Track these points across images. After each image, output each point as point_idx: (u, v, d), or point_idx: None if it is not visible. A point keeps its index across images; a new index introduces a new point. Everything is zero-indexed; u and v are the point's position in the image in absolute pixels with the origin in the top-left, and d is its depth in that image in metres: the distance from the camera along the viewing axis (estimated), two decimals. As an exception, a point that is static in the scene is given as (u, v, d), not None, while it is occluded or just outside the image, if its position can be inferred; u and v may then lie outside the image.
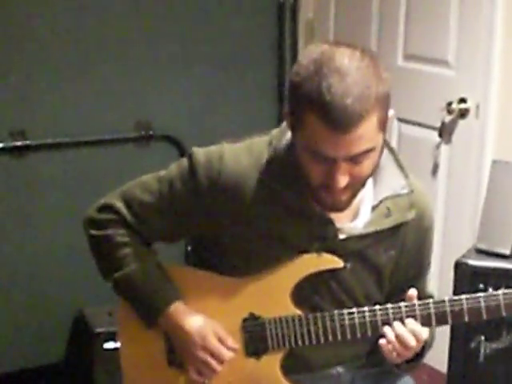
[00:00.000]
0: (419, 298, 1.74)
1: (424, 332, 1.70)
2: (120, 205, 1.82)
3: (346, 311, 1.73)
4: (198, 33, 3.45)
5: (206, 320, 1.79)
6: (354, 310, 1.73)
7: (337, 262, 1.75)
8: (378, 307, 1.72)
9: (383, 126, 1.60)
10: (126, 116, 3.36)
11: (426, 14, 3.20)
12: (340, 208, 1.68)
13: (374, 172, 1.68)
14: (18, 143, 3.14)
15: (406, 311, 1.70)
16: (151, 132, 3.40)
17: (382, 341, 1.70)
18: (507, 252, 2.62)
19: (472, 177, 3.07)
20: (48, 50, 3.16)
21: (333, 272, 1.76)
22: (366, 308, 1.73)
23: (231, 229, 1.75)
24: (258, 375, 1.80)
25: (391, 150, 1.79)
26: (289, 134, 1.72)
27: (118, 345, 1.93)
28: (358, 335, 1.74)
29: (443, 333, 2.67)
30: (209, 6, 3.47)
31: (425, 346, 1.78)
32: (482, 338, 2.62)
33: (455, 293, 2.58)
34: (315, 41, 3.62)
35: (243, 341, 1.79)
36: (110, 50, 3.28)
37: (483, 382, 2.68)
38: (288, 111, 1.65)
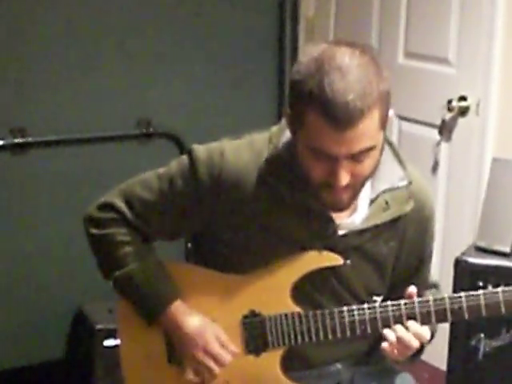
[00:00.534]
0: (423, 288, 1.74)
1: (426, 333, 1.70)
2: (120, 203, 1.82)
3: (345, 308, 1.74)
4: (198, 31, 3.45)
5: (207, 321, 1.79)
6: (354, 307, 1.73)
7: (337, 259, 1.75)
8: (377, 304, 1.72)
9: (384, 124, 1.61)
10: (126, 113, 3.36)
11: (426, 12, 3.20)
12: (341, 207, 1.68)
13: (375, 171, 1.68)
14: (19, 140, 3.14)
15: (406, 308, 1.71)
16: (152, 129, 3.40)
17: (384, 344, 1.69)
18: (507, 250, 2.63)
19: (472, 175, 3.07)
20: (49, 47, 3.16)
21: (333, 269, 1.76)
22: (365, 305, 1.73)
23: (232, 225, 1.75)
24: (258, 372, 1.80)
25: (389, 143, 1.79)
26: (288, 132, 1.72)
27: (118, 342, 1.92)
28: (358, 332, 1.73)
29: (443, 331, 2.67)
30: (209, 4, 3.47)
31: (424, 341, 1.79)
32: (482, 335, 2.63)
33: (455, 290, 2.58)
34: (316, 39, 3.62)
35: (243, 338, 1.79)
36: (110, 47, 3.28)
37: (483, 380, 2.68)
38: (289, 110, 1.65)
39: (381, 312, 1.72)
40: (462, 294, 1.70)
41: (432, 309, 1.70)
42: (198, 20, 3.45)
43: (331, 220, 1.74)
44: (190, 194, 1.76)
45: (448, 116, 3.08)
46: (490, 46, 2.95)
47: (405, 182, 1.77)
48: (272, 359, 1.79)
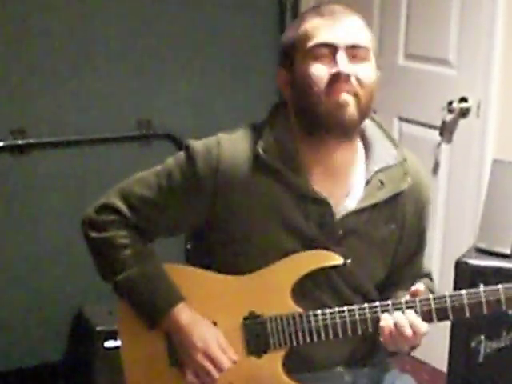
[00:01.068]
0: (418, 276, 1.76)
1: (423, 326, 1.70)
2: (119, 203, 1.82)
3: (346, 308, 1.74)
4: (198, 32, 3.45)
5: (209, 325, 1.80)
6: (355, 306, 1.74)
7: (337, 259, 1.76)
8: (378, 303, 1.72)
9: (373, 52, 1.76)
10: (127, 115, 3.36)
11: (426, 14, 3.20)
12: (347, 114, 1.69)
13: (373, 93, 1.72)
14: (19, 141, 3.14)
15: (407, 307, 1.70)
16: (152, 131, 3.40)
17: (382, 323, 1.70)
18: (507, 251, 2.62)
19: (472, 176, 3.07)
20: (49, 48, 3.16)
21: (334, 266, 1.77)
22: (366, 305, 1.73)
23: (231, 214, 1.76)
24: (260, 374, 1.80)
25: (378, 124, 1.83)
26: (282, 118, 1.77)
27: (118, 343, 1.92)
28: (359, 332, 1.74)
29: (443, 332, 2.67)
30: (209, 5, 3.47)
31: None
32: (482, 337, 2.62)
33: (455, 292, 2.58)
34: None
35: (244, 340, 1.79)
36: (110, 48, 3.28)
37: (483, 382, 2.67)
38: (280, 67, 1.78)
39: (382, 311, 1.72)
40: (463, 291, 1.71)
41: (433, 307, 1.70)
42: (197, 21, 3.45)
43: (327, 203, 1.75)
44: (190, 187, 1.77)
45: (448, 117, 3.08)
46: (491, 47, 2.95)
47: (398, 160, 1.80)
48: (274, 360, 1.79)
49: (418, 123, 3.28)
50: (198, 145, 1.79)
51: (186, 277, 1.85)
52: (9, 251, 3.20)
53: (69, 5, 3.18)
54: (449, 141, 3.15)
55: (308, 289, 1.78)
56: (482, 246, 2.67)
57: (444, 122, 3.09)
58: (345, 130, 1.72)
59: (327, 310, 1.75)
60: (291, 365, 1.80)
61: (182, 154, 1.81)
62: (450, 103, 3.05)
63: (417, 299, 1.71)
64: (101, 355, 2.99)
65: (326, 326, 1.74)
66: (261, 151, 1.74)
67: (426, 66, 3.23)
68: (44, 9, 3.13)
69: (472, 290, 1.71)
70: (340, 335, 1.74)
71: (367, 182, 1.78)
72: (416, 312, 1.70)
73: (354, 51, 1.70)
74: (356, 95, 1.69)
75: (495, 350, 2.62)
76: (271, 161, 1.74)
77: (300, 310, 1.77)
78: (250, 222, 1.76)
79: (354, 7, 1.77)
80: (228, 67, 3.55)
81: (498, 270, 2.58)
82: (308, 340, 1.76)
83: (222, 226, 1.79)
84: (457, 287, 2.63)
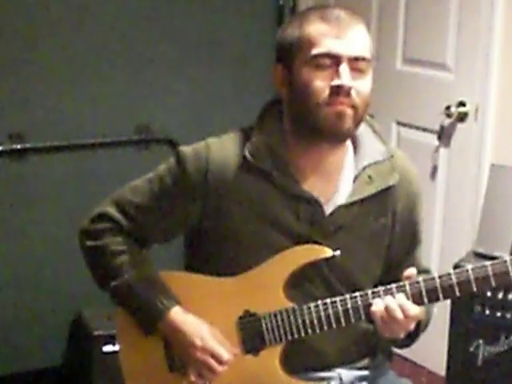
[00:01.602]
0: (418, 271, 1.75)
1: (413, 309, 1.70)
2: (113, 211, 1.84)
3: (338, 298, 1.75)
4: (197, 36, 3.46)
5: (204, 323, 1.81)
6: (347, 296, 1.74)
7: (326, 252, 1.77)
8: (369, 291, 1.73)
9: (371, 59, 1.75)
10: (125, 119, 3.36)
11: (424, 18, 3.21)
12: (344, 126, 1.70)
13: (369, 104, 1.73)
14: (17, 146, 3.15)
15: (398, 291, 1.71)
16: (151, 135, 3.40)
17: (373, 308, 1.70)
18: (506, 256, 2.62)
19: (471, 180, 3.07)
20: (47, 52, 3.16)
21: (325, 259, 1.78)
22: (357, 293, 1.74)
23: (223, 216, 1.78)
24: (258, 371, 1.81)
25: (367, 122, 1.84)
26: (271, 119, 1.81)
27: (116, 348, 1.93)
28: (353, 321, 1.74)
29: (442, 336, 2.67)
30: (208, 8, 3.48)
31: (420, 326, 1.81)
32: (481, 341, 2.62)
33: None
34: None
35: (240, 338, 1.81)
36: (109, 52, 3.28)
37: (482, 386, 2.68)
38: (276, 64, 1.77)
39: (373, 298, 1.72)
40: (469, 266, 1.69)
41: (438, 285, 1.69)
42: (197, 26, 3.45)
43: (318, 202, 1.77)
44: (181, 191, 1.79)
45: (447, 122, 3.08)
46: (489, 52, 2.96)
47: (386, 156, 1.81)
48: (271, 357, 1.80)
49: (416, 127, 3.29)
50: (187, 150, 1.82)
51: (180, 282, 1.86)
52: (8, 255, 3.20)
53: (68, 10, 3.18)
54: (447, 145, 3.16)
55: (301, 284, 1.79)
56: (481, 250, 2.68)
57: (442, 127, 3.09)
58: (340, 139, 1.76)
59: (319, 302, 1.76)
60: (290, 366, 1.80)
61: (172, 159, 1.84)
62: (448, 107, 3.06)
63: (407, 282, 1.71)
64: (99, 360, 2.99)
65: (319, 317, 1.75)
66: (247, 154, 1.77)
67: (423, 71, 3.24)
68: (42, 16, 3.13)
69: (477, 265, 1.69)
70: (334, 325, 1.75)
71: (356, 178, 1.80)
72: (406, 295, 1.70)
73: (356, 64, 1.71)
74: (354, 107, 1.70)
75: (493, 354, 2.62)
76: (258, 163, 1.76)
77: (293, 305, 1.78)
78: (241, 224, 1.78)
79: (353, 11, 1.77)
80: (227, 72, 3.55)
81: (497, 274, 2.58)
82: (303, 334, 1.77)
83: (213, 228, 1.80)
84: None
